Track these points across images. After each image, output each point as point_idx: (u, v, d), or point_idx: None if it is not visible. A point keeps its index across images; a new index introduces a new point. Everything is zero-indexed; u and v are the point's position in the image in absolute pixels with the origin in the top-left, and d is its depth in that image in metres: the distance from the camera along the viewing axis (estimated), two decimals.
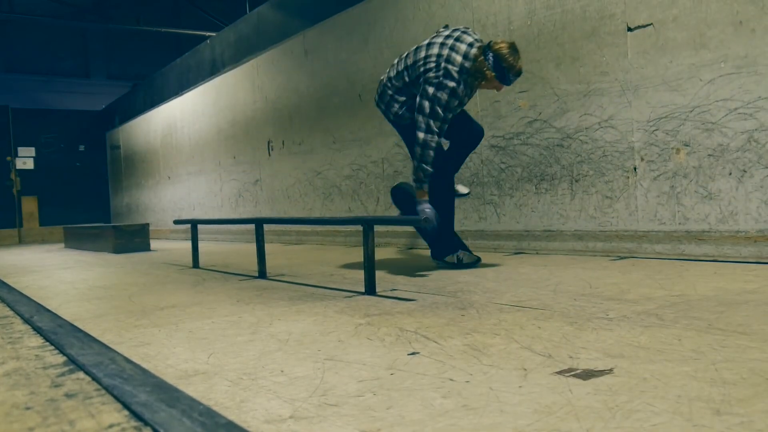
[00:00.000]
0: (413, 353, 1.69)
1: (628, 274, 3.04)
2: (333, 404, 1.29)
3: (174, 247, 7.95)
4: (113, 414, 1.28)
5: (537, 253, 4.28)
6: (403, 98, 3.48)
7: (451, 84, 3.18)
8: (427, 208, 3.29)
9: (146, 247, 7.62)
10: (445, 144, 3.59)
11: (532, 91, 4.31)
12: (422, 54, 3.34)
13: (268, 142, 7.73)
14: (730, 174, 3.31)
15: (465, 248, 3.68)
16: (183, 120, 10.26)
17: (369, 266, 2.88)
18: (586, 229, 4.04)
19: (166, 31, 14.28)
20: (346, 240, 6.31)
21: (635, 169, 3.74)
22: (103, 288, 3.77)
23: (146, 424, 1.20)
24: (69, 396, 1.42)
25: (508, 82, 3.27)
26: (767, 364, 1.41)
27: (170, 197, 10.92)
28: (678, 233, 3.54)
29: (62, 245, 10.25)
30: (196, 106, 9.72)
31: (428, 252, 4.82)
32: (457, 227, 4.99)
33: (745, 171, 3.25)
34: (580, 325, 1.94)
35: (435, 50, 3.28)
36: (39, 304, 3.09)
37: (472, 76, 3.24)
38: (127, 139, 13.11)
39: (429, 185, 3.38)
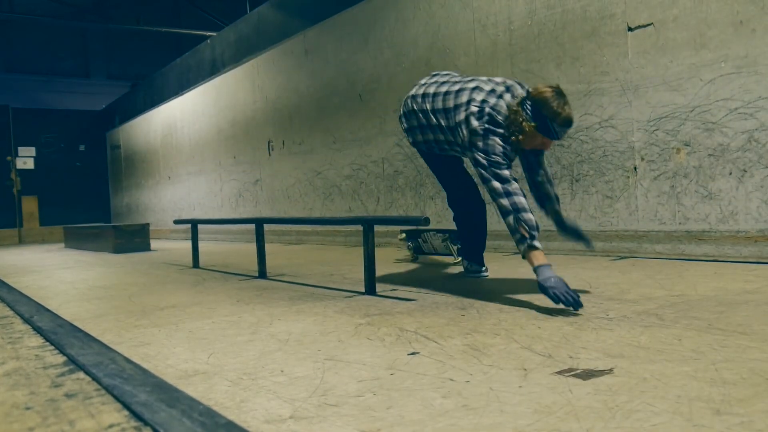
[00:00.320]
0: (413, 353, 1.69)
1: (628, 274, 3.04)
2: (333, 404, 1.29)
3: (174, 247, 7.95)
4: (113, 414, 1.28)
5: None
6: (439, 135, 2.94)
7: (499, 130, 2.61)
8: (550, 279, 2.27)
9: (146, 247, 7.62)
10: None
11: None
12: (464, 98, 2.74)
13: (268, 142, 7.73)
14: (731, 174, 3.31)
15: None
16: (183, 120, 10.26)
17: (369, 266, 2.87)
18: (586, 229, 4.03)
19: (166, 31, 14.28)
20: (347, 240, 6.30)
21: (635, 168, 3.74)
22: (103, 288, 3.77)
23: (146, 424, 1.20)
24: (69, 396, 1.42)
25: (555, 135, 2.55)
26: (767, 364, 1.41)
27: (170, 197, 10.92)
28: (678, 233, 3.54)
29: (62, 245, 10.25)
30: (197, 106, 9.72)
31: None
32: None
33: (745, 171, 3.25)
34: (580, 325, 1.93)
35: (480, 96, 2.70)
36: (39, 304, 3.09)
37: (510, 132, 2.61)
38: (127, 139, 13.11)
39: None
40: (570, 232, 2.85)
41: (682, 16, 3.45)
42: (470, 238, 3.34)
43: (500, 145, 2.58)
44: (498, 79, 2.82)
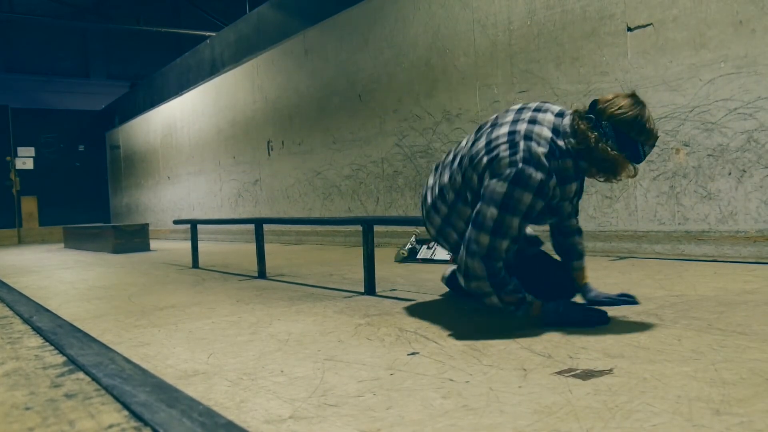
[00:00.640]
0: (413, 353, 1.69)
1: (628, 274, 3.04)
2: (333, 404, 1.29)
3: (174, 247, 7.94)
4: (113, 414, 1.27)
5: None
6: (459, 224, 2.11)
7: (538, 175, 1.85)
8: (550, 313, 1.95)
9: (146, 247, 7.62)
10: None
11: (532, 91, 4.31)
12: (482, 142, 2.02)
13: (268, 142, 7.73)
14: (730, 174, 3.31)
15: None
16: (183, 120, 10.26)
17: (369, 266, 2.87)
18: (585, 229, 4.02)
19: (166, 31, 14.27)
20: (346, 240, 6.30)
21: None
22: (103, 288, 3.77)
23: (146, 424, 1.20)
24: (69, 396, 1.42)
25: (642, 158, 1.89)
26: (767, 364, 1.41)
27: (170, 197, 10.92)
28: (677, 233, 3.54)
29: (62, 245, 10.25)
30: (196, 106, 9.72)
31: None
32: None
33: (744, 171, 3.25)
34: None
35: (504, 129, 1.99)
36: (39, 304, 3.08)
37: (576, 160, 1.93)
38: (126, 139, 13.11)
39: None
40: (595, 300, 2.20)
41: (682, 16, 3.45)
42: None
43: (528, 202, 1.86)
44: (516, 106, 2.11)
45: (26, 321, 2.54)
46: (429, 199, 2.24)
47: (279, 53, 7.44)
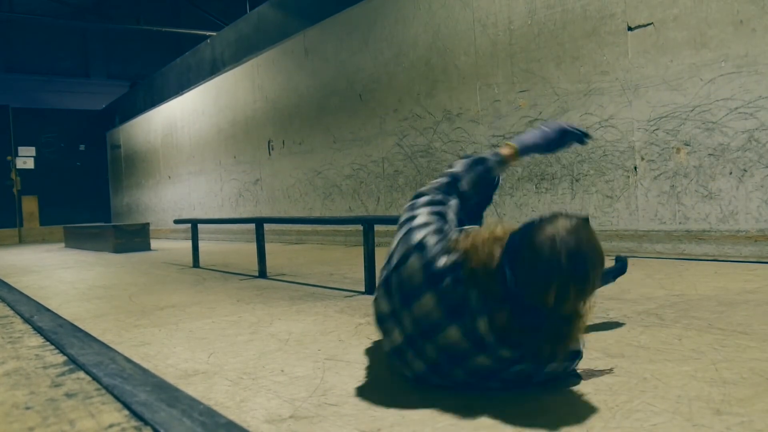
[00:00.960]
0: None
1: (628, 273, 3.03)
2: (333, 404, 1.29)
3: (174, 247, 7.94)
4: (113, 413, 1.27)
5: None
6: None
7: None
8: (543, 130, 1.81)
9: (146, 247, 7.62)
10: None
11: (533, 91, 4.31)
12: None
13: (269, 142, 7.73)
14: (731, 173, 3.31)
15: None
16: (183, 120, 10.26)
17: (369, 265, 2.87)
18: None
19: (166, 31, 14.27)
20: (347, 239, 6.30)
21: (635, 168, 3.74)
22: (104, 288, 3.77)
23: (146, 423, 1.20)
24: (69, 396, 1.42)
25: None
26: (767, 363, 1.41)
27: (170, 197, 10.92)
28: (678, 233, 3.54)
29: (62, 245, 10.25)
30: (197, 106, 9.72)
31: None
32: None
33: (745, 170, 3.25)
34: None
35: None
36: (39, 303, 3.09)
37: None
38: (127, 138, 13.11)
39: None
40: None
41: (683, 16, 3.45)
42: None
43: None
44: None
45: (27, 320, 2.55)
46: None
47: (279, 53, 7.44)
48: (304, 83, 6.97)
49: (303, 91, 7.01)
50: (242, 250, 6.48)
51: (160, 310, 2.73)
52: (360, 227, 3.00)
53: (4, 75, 15.91)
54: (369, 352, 1.73)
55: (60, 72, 16.77)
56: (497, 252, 1.20)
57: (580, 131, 1.72)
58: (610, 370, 1.42)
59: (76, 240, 9.34)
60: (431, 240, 1.32)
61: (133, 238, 7.55)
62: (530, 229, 1.16)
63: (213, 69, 9.65)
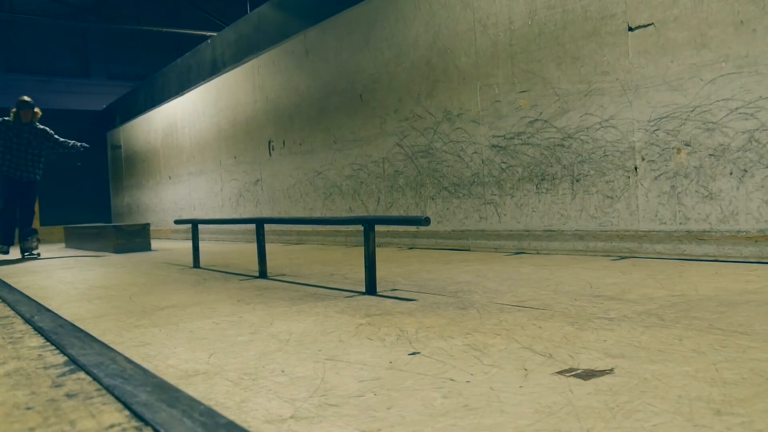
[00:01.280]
0: (414, 353, 1.69)
1: (629, 274, 3.04)
2: (333, 404, 1.29)
3: (175, 247, 7.95)
4: (114, 414, 1.28)
5: (538, 253, 4.28)
6: None
7: None
8: None
9: (147, 247, 7.62)
10: None
11: (533, 91, 4.31)
12: None
13: (269, 142, 7.73)
14: (731, 174, 3.31)
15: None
16: (184, 120, 10.26)
17: (369, 266, 2.88)
18: (586, 229, 4.04)
19: (166, 31, 14.29)
20: (347, 240, 6.31)
21: (636, 168, 3.74)
22: (104, 288, 3.77)
23: (147, 424, 1.20)
24: (70, 396, 1.42)
25: None
26: None
27: (171, 197, 10.92)
28: (679, 233, 3.54)
29: (63, 245, 10.25)
30: (197, 106, 9.73)
31: (431, 251, 4.83)
32: (457, 227, 5.01)
33: (746, 171, 3.25)
34: (581, 325, 1.93)
35: None
36: (40, 304, 3.09)
37: None
38: (127, 139, 13.12)
39: None
40: None
41: (683, 16, 3.45)
42: None
43: None
44: None
45: (27, 321, 2.55)
46: None
47: (280, 53, 7.45)
48: (305, 83, 6.97)
49: (303, 91, 7.01)
50: (243, 251, 6.48)
51: (161, 310, 2.73)
52: (360, 227, 3.01)
53: (4, 75, 15.93)
54: (370, 352, 1.73)
55: (60, 72, 16.79)
56: None
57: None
58: (611, 371, 1.42)
59: (76, 240, 9.34)
60: None
61: (134, 238, 7.55)
62: None
63: (213, 69, 9.66)
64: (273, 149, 7.67)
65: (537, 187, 4.34)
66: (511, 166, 4.52)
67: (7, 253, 7.33)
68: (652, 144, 3.65)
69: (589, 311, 2.14)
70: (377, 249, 2.94)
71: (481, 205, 4.80)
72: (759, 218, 3.21)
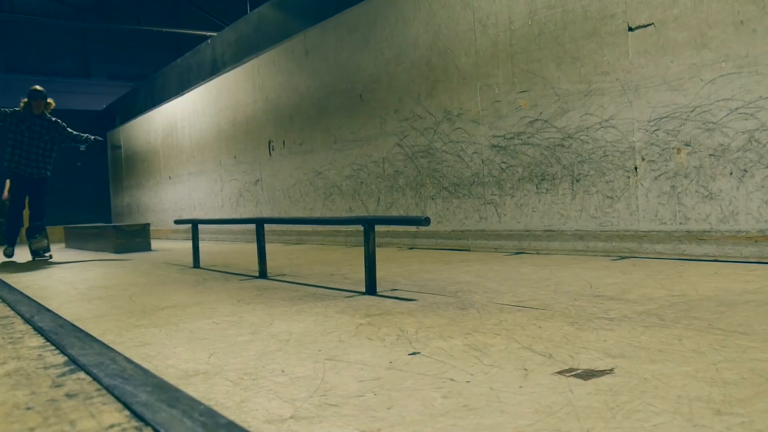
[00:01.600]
0: (414, 353, 1.69)
1: (629, 274, 3.04)
2: (333, 404, 1.29)
3: (175, 247, 7.94)
4: (114, 414, 1.28)
5: (538, 253, 4.28)
6: None
7: None
8: None
9: (147, 247, 7.62)
10: None
11: (533, 91, 4.31)
12: None
13: (269, 142, 7.73)
14: (731, 174, 3.31)
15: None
16: (184, 120, 10.26)
17: (369, 266, 2.88)
18: (586, 229, 4.04)
19: (166, 31, 14.28)
20: (347, 240, 6.31)
21: (636, 168, 3.74)
22: (104, 288, 3.77)
23: (147, 424, 1.20)
24: (70, 396, 1.42)
25: None
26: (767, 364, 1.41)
27: (171, 197, 10.92)
28: (679, 233, 3.54)
29: (63, 245, 10.25)
30: (197, 106, 9.73)
31: (431, 251, 4.83)
32: (457, 227, 5.01)
33: (746, 171, 3.25)
34: (581, 325, 1.93)
35: None
36: (40, 304, 3.09)
37: None
38: (127, 139, 13.12)
39: None
40: None
41: (683, 16, 3.45)
42: None
43: None
44: None
45: (27, 321, 2.55)
46: None
47: (280, 53, 7.45)
48: (305, 83, 6.97)
49: (303, 91, 7.01)
50: (243, 251, 6.48)
51: (161, 310, 2.73)
52: (360, 227, 3.01)
53: (4, 75, 15.93)
54: (370, 352, 1.73)
55: (60, 72, 16.79)
56: None
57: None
58: (611, 371, 1.42)
59: (76, 240, 9.34)
60: None
61: (134, 238, 7.55)
62: None
63: (213, 69, 9.66)
64: (273, 149, 7.67)
65: (537, 187, 4.34)
66: (511, 166, 4.52)
67: (12, 255, 6.84)
68: (652, 144, 3.65)
69: (589, 311, 2.14)
70: (377, 249, 2.94)
71: (481, 205, 4.80)
72: (759, 218, 3.21)
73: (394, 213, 5.65)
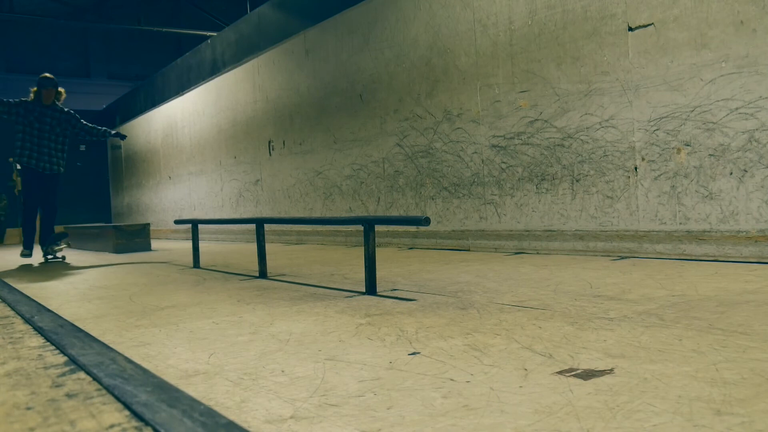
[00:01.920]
0: (414, 353, 1.69)
1: (629, 274, 3.04)
2: (333, 404, 1.29)
3: (175, 247, 7.95)
4: (114, 414, 1.28)
5: (538, 253, 4.28)
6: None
7: None
8: None
9: (147, 247, 7.62)
10: None
11: (533, 91, 4.31)
12: None
13: (269, 142, 7.73)
14: (731, 174, 3.31)
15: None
16: (184, 120, 10.26)
17: (369, 266, 2.88)
18: (586, 229, 4.04)
19: (166, 31, 14.28)
20: (347, 240, 6.31)
21: (636, 168, 3.74)
22: (104, 288, 3.77)
23: (147, 424, 1.20)
24: (70, 396, 1.42)
25: None
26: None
27: (171, 197, 10.92)
28: (679, 233, 3.54)
29: None
30: (197, 106, 9.73)
31: (431, 251, 4.83)
32: (457, 227, 5.01)
33: (746, 171, 3.25)
34: (581, 325, 1.93)
35: None
36: (40, 304, 3.09)
37: None
38: (128, 138, 13.11)
39: None
40: None
41: (683, 16, 3.45)
42: None
43: None
44: None
45: (27, 321, 2.55)
46: None
47: (280, 53, 7.45)
48: (305, 83, 6.97)
49: (303, 91, 7.01)
50: (243, 251, 6.48)
51: (161, 310, 2.73)
52: (360, 227, 3.01)
53: (4, 75, 15.93)
54: (370, 352, 1.73)
55: (60, 72, 16.74)
56: None
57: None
58: (611, 371, 1.42)
59: (76, 240, 9.34)
60: None
61: (134, 238, 7.55)
62: None
63: (213, 69, 9.66)
64: (273, 149, 7.66)
65: (537, 187, 4.34)
66: (511, 166, 4.52)
67: (29, 256, 6.27)
68: (652, 144, 3.65)
69: (589, 311, 2.14)
70: (377, 249, 2.94)
71: (481, 205, 4.80)
72: (759, 218, 3.21)
73: (394, 213, 5.65)
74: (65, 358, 1.81)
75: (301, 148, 7.09)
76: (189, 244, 5.66)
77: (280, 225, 7.49)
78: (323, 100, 6.67)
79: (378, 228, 5.33)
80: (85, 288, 3.84)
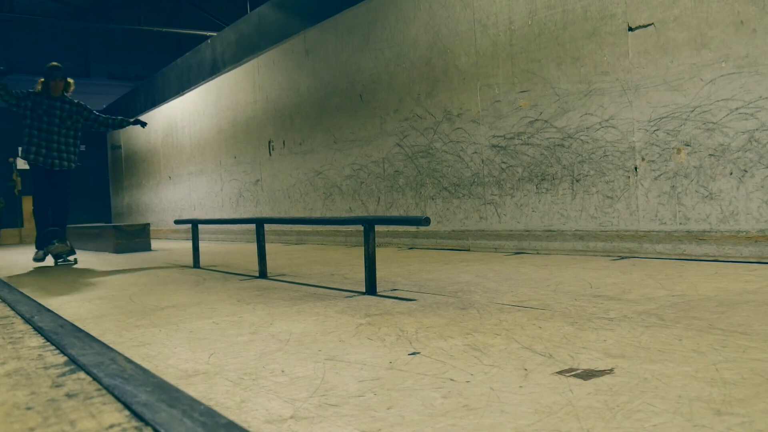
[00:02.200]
0: (414, 353, 1.69)
1: (629, 274, 3.04)
2: (333, 404, 1.29)
3: (175, 247, 7.94)
4: (114, 414, 1.28)
5: (538, 253, 4.28)
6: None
7: None
8: None
9: (147, 247, 7.62)
10: None
11: (533, 91, 4.31)
12: None
13: (269, 142, 7.73)
14: (731, 174, 3.31)
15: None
16: (184, 120, 10.26)
17: (369, 266, 2.88)
18: (586, 229, 4.04)
19: (166, 31, 14.28)
20: (347, 240, 6.30)
21: (636, 168, 3.74)
22: (104, 288, 3.77)
23: (147, 424, 1.20)
24: (70, 396, 1.42)
25: None
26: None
27: (171, 197, 10.92)
28: (679, 233, 3.54)
29: None
30: (197, 106, 9.73)
31: (431, 251, 4.83)
32: (457, 227, 5.01)
33: (746, 171, 3.25)
34: (581, 325, 1.93)
35: None
36: (40, 304, 3.09)
37: None
38: (128, 139, 13.11)
39: None
40: None
41: (683, 16, 3.45)
42: None
43: None
44: None
45: (27, 321, 2.55)
46: None
47: (280, 53, 7.45)
48: (305, 83, 6.97)
49: (303, 91, 7.01)
50: (243, 251, 6.48)
51: (161, 310, 2.73)
52: (360, 227, 3.01)
53: (4, 75, 15.90)
54: (370, 352, 1.73)
55: None
56: None
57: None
58: (611, 371, 1.42)
59: (76, 240, 9.33)
60: None
61: (134, 238, 7.55)
62: None
63: (213, 69, 9.65)
64: (273, 149, 7.66)
65: (537, 187, 4.34)
66: (511, 166, 4.52)
67: (43, 259, 5.85)
68: (652, 144, 3.65)
69: (589, 311, 2.14)
70: (377, 249, 2.94)
71: (481, 205, 4.80)
72: (759, 218, 3.21)
73: (394, 213, 5.65)
74: (65, 358, 1.81)
75: (301, 148, 7.09)
76: (189, 244, 5.66)
77: (280, 225, 7.49)
78: (323, 100, 6.67)
79: (378, 228, 5.33)
80: (85, 288, 3.84)
